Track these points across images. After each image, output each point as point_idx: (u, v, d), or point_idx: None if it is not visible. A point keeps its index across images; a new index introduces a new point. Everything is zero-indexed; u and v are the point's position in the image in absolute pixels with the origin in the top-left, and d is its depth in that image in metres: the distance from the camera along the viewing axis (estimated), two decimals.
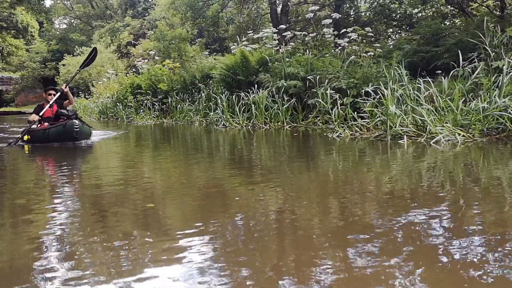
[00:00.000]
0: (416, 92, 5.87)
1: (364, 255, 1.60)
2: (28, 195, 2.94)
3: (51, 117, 6.55)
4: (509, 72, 5.35)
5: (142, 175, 3.70)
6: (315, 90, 7.74)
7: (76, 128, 6.04)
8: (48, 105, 6.59)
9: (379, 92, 6.17)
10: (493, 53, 5.98)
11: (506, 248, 1.63)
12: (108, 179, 3.48)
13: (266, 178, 3.30)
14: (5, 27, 25.68)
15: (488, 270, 1.45)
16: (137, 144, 6.86)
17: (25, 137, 6.22)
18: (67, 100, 6.89)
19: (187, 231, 1.97)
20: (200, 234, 1.91)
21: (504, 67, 5.35)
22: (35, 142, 6.26)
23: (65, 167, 4.35)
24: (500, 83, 5.23)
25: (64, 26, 44.64)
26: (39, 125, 6.58)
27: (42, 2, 24.37)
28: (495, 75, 5.46)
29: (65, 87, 6.69)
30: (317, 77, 7.82)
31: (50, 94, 6.68)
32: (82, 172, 4.01)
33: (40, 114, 6.54)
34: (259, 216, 2.20)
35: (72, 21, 43.80)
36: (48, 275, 1.50)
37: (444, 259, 1.55)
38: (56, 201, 2.70)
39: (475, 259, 1.54)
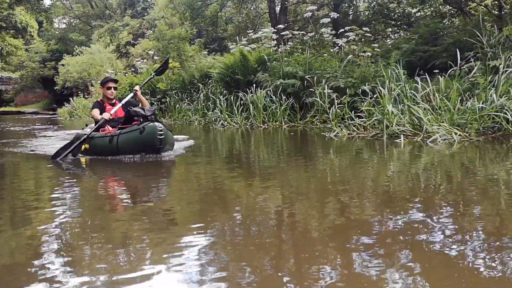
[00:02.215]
0: (413, 91, 5.89)
1: (363, 255, 1.60)
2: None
3: (114, 119, 4.73)
4: (505, 71, 5.36)
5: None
6: (313, 90, 7.75)
7: (161, 134, 4.10)
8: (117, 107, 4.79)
9: (376, 91, 6.18)
10: (490, 53, 6.00)
11: (505, 247, 1.64)
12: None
13: (264, 178, 3.31)
14: (4, 27, 25.67)
15: (487, 269, 1.45)
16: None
17: (83, 147, 4.45)
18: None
19: (187, 230, 1.98)
20: (200, 233, 1.93)
21: (500, 66, 5.36)
22: (97, 154, 4.46)
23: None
24: (497, 82, 5.25)
25: (64, 26, 44.66)
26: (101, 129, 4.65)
27: (42, 1, 24.38)
28: (492, 75, 5.48)
29: (139, 88, 4.92)
30: (315, 77, 7.83)
31: (109, 88, 4.90)
32: None
33: (111, 112, 4.69)
34: (259, 216, 2.21)
35: (72, 21, 43.80)
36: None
37: (442, 259, 1.55)
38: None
39: (473, 258, 1.54)
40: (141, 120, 4.25)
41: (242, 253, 1.68)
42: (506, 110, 4.81)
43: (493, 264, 1.48)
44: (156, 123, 4.16)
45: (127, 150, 4.26)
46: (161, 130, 4.09)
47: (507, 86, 5.21)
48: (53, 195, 2.84)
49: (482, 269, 1.45)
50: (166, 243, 1.79)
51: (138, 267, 1.54)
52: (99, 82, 5.40)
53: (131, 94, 4.92)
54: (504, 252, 1.58)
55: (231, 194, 2.80)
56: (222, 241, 1.81)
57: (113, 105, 4.88)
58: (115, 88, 5.02)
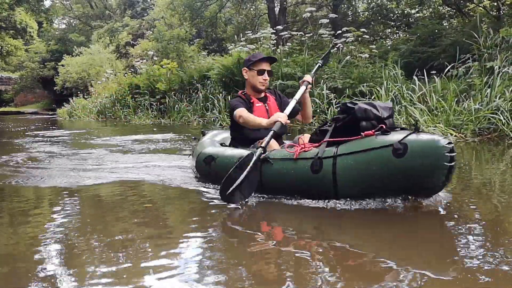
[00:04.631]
0: (410, 92, 5.92)
1: (361, 255, 1.61)
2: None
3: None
4: (501, 72, 5.39)
5: None
6: (311, 90, 7.78)
7: (451, 157, 1.94)
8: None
9: (374, 92, 6.21)
10: (487, 54, 6.03)
11: (503, 246, 1.66)
12: None
13: None
14: (4, 27, 25.68)
15: (485, 268, 1.44)
16: None
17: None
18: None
19: (186, 231, 2.01)
20: (199, 232, 1.95)
21: (496, 67, 5.39)
22: (276, 191, 2.42)
23: None
24: (492, 83, 5.28)
25: (63, 26, 44.66)
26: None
27: (42, 2, 24.42)
28: (487, 76, 5.51)
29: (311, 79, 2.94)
30: (313, 77, 7.86)
31: (262, 72, 2.93)
32: None
33: (281, 117, 2.59)
34: (257, 215, 2.23)
35: (71, 21, 43.81)
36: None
37: (441, 259, 1.56)
38: None
39: (472, 258, 1.54)
40: (386, 127, 2.14)
41: (240, 255, 1.70)
42: (502, 111, 4.84)
43: (490, 263, 1.48)
44: (435, 136, 2.04)
45: (360, 188, 2.17)
46: (451, 151, 1.96)
47: (502, 87, 5.25)
48: None
49: (480, 268, 1.45)
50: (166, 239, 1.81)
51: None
52: (245, 61, 3.07)
53: (303, 88, 2.86)
54: (502, 251, 1.59)
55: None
56: (220, 241, 1.83)
57: (264, 101, 3.00)
58: (270, 74, 2.99)
